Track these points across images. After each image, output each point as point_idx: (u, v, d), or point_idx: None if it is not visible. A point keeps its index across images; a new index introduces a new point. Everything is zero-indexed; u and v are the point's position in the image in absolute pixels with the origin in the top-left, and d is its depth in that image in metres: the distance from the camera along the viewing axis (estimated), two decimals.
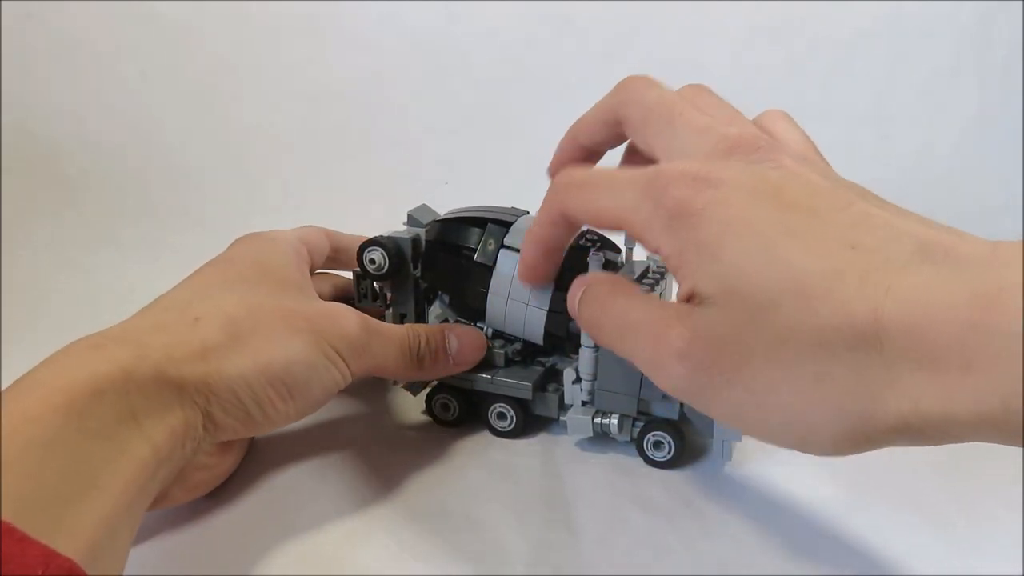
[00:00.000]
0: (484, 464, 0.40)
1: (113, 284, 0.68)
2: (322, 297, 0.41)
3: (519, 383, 0.41)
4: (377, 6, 0.82)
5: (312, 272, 0.44)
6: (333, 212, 0.79)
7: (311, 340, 0.33)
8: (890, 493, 0.37)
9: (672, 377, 0.25)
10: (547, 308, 0.40)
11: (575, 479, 0.39)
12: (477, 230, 0.41)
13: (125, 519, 0.26)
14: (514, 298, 0.40)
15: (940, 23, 0.82)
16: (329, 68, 0.83)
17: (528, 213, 0.43)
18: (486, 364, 0.42)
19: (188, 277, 0.37)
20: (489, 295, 0.41)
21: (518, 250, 0.40)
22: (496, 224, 0.41)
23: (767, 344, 0.23)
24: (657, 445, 0.40)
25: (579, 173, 0.33)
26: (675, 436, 0.39)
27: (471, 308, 0.42)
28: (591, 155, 0.37)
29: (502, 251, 0.40)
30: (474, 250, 0.41)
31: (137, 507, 0.27)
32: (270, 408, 0.32)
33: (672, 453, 0.39)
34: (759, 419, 0.24)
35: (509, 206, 0.44)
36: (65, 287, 0.67)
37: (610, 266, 0.39)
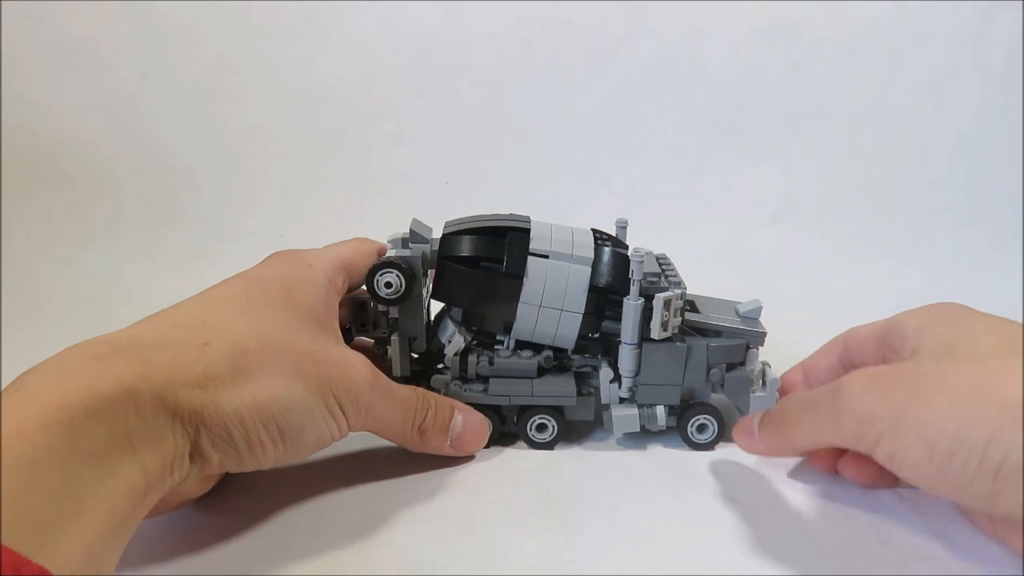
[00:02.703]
0: (484, 465, 0.40)
1: (113, 284, 0.68)
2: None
3: (561, 391, 0.40)
4: (377, 6, 0.82)
5: (354, 290, 0.41)
6: (332, 212, 0.80)
7: (315, 387, 0.32)
8: (890, 494, 0.38)
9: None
10: (582, 311, 0.39)
11: (575, 479, 0.39)
12: (497, 239, 0.39)
13: (110, 546, 0.25)
14: (547, 305, 0.39)
15: (940, 23, 0.82)
16: (329, 68, 0.82)
17: (529, 218, 0.41)
18: (520, 376, 0.41)
19: (214, 287, 0.35)
20: (520, 305, 0.39)
21: (546, 255, 0.39)
22: (517, 232, 0.39)
23: None
24: (701, 428, 0.41)
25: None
26: (717, 417, 0.41)
27: (495, 322, 0.40)
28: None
29: (530, 259, 0.39)
30: (501, 261, 0.39)
31: (122, 534, 0.26)
32: (259, 449, 0.31)
33: (715, 434, 0.41)
34: None
35: (507, 213, 0.42)
36: (65, 287, 0.67)
37: (619, 257, 0.40)
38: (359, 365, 0.34)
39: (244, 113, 0.82)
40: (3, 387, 0.26)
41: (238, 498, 0.37)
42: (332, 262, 0.38)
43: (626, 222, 0.44)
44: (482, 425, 0.40)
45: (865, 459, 0.38)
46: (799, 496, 0.38)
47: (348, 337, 0.43)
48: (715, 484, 0.38)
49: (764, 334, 0.42)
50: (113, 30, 0.80)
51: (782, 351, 0.45)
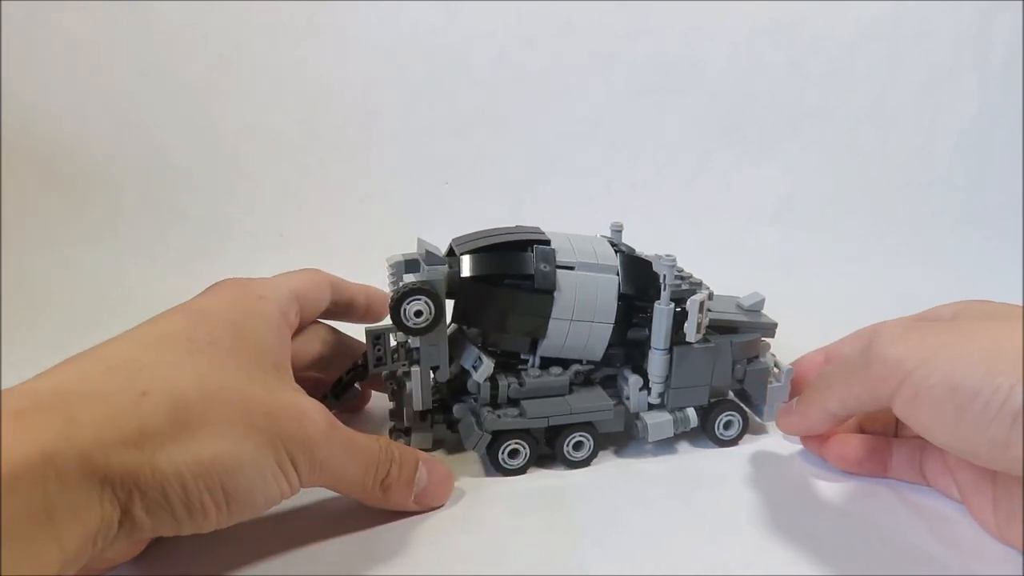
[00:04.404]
0: (483, 466, 0.40)
1: (113, 284, 0.68)
2: (308, 356, 0.38)
3: (599, 404, 0.39)
4: (377, 6, 0.82)
5: (306, 324, 0.39)
6: (332, 212, 0.80)
7: (266, 442, 0.28)
8: (890, 494, 0.38)
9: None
10: (613, 321, 0.38)
11: (575, 479, 0.39)
12: (521, 254, 0.37)
13: None
14: (578, 318, 0.38)
15: (940, 23, 0.82)
16: (329, 69, 0.82)
17: (540, 229, 0.40)
18: (552, 394, 0.39)
19: (150, 321, 0.31)
20: (552, 320, 0.38)
21: (572, 267, 0.38)
22: (540, 245, 0.38)
23: None
24: (728, 424, 0.41)
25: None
26: (742, 413, 0.41)
27: (520, 340, 0.39)
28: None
29: (558, 272, 0.38)
30: (526, 276, 0.37)
31: None
32: (200, 515, 0.27)
33: (741, 429, 0.42)
34: None
35: (514, 225, 0.41)
36: (65, 287, 0.67)
37: (642, 263, 0.40)
38: (315, 415, 0.31)
39: (244, 113, 0.82)
40: (3, 388, 0.25)
41: (175, 556, 0.33)
42: (286, 293, 0.35)
43: (621, 225, 0.44)
44: (447, 476, 0.36)
45: (849, 441, 0.39)
46: (800, 497, 0.37)
47: (364, 373, 0.41)
48: (717, 485, 0.38)
49: (775, 324, 0.43)
50: (113, 30, 0.80)
51: (784, 350, 0.45)
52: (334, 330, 0.42)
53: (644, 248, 0.43)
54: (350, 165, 0.82)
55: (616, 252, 0.40)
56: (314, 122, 0.83)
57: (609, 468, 0.40)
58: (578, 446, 0.39)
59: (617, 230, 0.44)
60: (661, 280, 0.37)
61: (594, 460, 0.40)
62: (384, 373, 0.41)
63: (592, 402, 0.39)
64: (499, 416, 0.38)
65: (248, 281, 0.35)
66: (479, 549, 0.33)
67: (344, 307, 0.41)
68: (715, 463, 0.40)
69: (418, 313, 0.35)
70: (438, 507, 0.36)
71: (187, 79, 0.81)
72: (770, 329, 0.43)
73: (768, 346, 0.43)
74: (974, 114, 0.82)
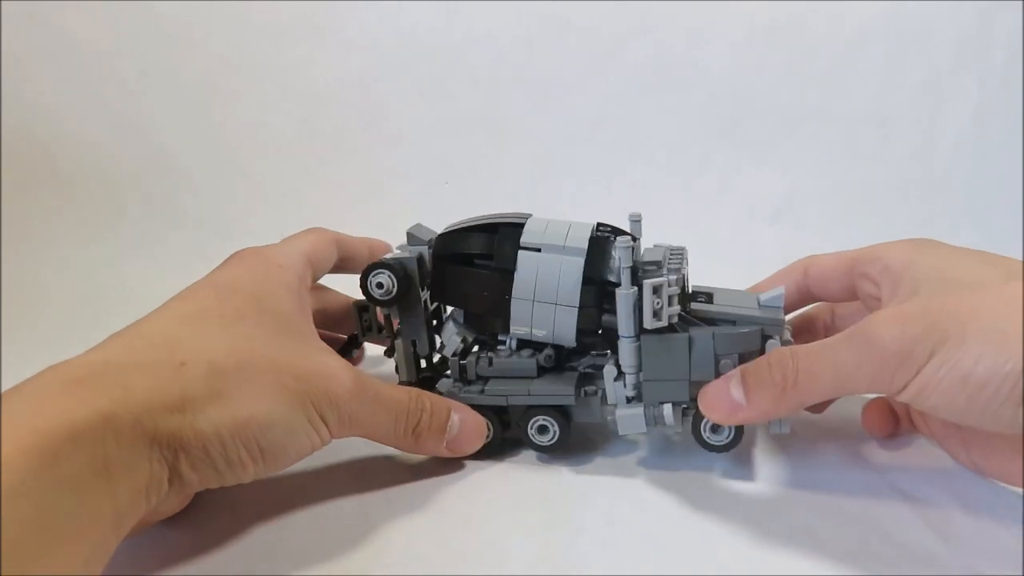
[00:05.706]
0: (483, 465, 0.40)
1: (113, 284, 0.68)
2: (316, 317, 0.39)
3: (560, 390, 0.39)
4: (377, 6, 0.82)
5: (314, 283, 0.42)
6: (332, 212, 0.80)
7: (296, 402, 0.32)
8: (890, 494, 0.38)
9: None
10: (578, 304, 0.38)
11: (575, 480, 0.39)
12: (488, 235, 0.39)
13: None
14: (540, 300, 0.38)
15: (940, 23, 0.82)
16: (329, 68, 0.83)
17: (530, 215, 0.41)
18: (520, 376, 0.40)
19: (181, 297, 0.34)
20: (513, 300, 0.38)
21: (538, 249, 0.38)
22: (507, 227, 0.39)
23: None
24: (716, 429, 0.38)
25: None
26: None
27: (492, 320, 0.40)
28: None
29: (521, 252, 0.38)
30: (490, 256, 0.38)
31: (94, 564, 0.26)
32: (239, 468, 0.30)
33: (732, 436, 0.38)
34: None
35: (510, 211, 0.41)
36: (65, 287, 0.67)
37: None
38: (341, 374, 0.33)
39: (244, 113, 0.82)
40: (2, 389, 0.26)
41: (216, 512, 0.36)
42: (300, 259, 0.39)
43: (640, 216, 0.43)
44: (479, 425, 0.39)
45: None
46: (799, 495, 0.37)
47: (355, 343, 0.44)
48: (715, 483, 0.38)
49: (782, 321, 0.39)
50: (113, 30, 0.80)
51: None
52: (333, 291, 0.46)
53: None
54: (350, 165, 0.82)
55: (600, 236, 0.39)
56: (314, 122, 0.83)
57: (609, 467, 0.40)
58: (542, 430, 0.39)
59: (636, 220, 0.42)
60: (616, 262, 0.36)
61: (595, 455, 0.40)
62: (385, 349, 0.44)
63: (554, 387, 0.39)
64: (462, 392, 0.39)
65: (265, 250, 0.38)
66: (479, 548, 0.33)
67: (349, 261, 0.44)
68: (715, 463, 0.40)
69: (380, 285, 0.39)
70: (469, 454, 0.39)
71: (187, 79, 0.81)
72: (774, 325, 0.39)
73: (777, 343, 0.41)
74: (974, 114, 0.82)
